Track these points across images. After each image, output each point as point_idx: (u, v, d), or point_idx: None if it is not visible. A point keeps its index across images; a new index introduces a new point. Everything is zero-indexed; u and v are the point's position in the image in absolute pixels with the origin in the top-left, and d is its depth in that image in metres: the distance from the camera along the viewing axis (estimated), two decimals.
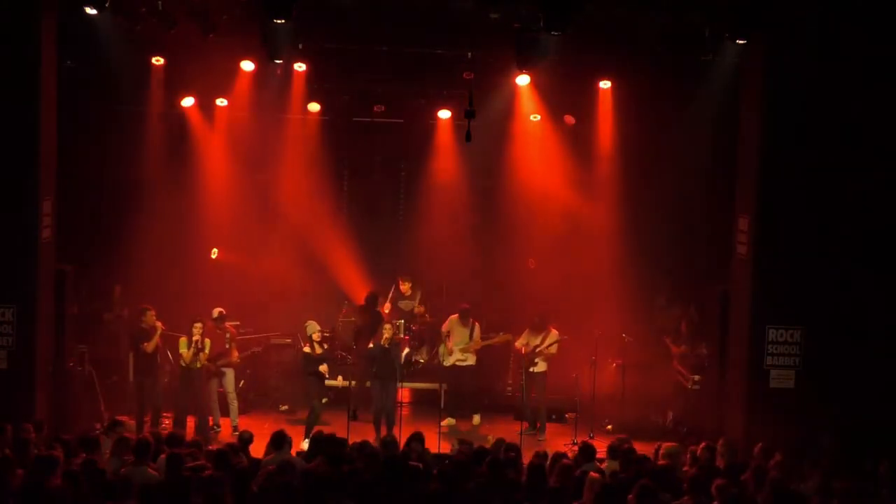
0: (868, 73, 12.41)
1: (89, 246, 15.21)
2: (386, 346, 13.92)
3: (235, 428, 14.06)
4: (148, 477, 9.00)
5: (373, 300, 15.84)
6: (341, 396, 14.58)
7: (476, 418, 15.09)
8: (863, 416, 12.19)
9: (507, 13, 12.43)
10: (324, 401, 14.35)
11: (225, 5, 12.98)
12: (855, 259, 12.58)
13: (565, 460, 9.87)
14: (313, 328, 14.22)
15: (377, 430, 13.78)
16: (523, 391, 14.83)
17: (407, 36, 13.97)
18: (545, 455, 10.21)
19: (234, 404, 14.37)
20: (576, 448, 11.23)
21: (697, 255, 15.74)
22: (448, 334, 15.23)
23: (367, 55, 14.72)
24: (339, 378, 14.30)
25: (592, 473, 9.26)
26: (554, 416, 15.12)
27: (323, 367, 13.91)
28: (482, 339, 15.35)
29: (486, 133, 15.62)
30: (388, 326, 14.10)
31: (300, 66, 15.11)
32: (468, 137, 13.05)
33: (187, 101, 15.96)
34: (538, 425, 14.64)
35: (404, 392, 15.05)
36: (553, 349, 14.66)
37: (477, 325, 15.23)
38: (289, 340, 16.23)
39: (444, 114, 16.49)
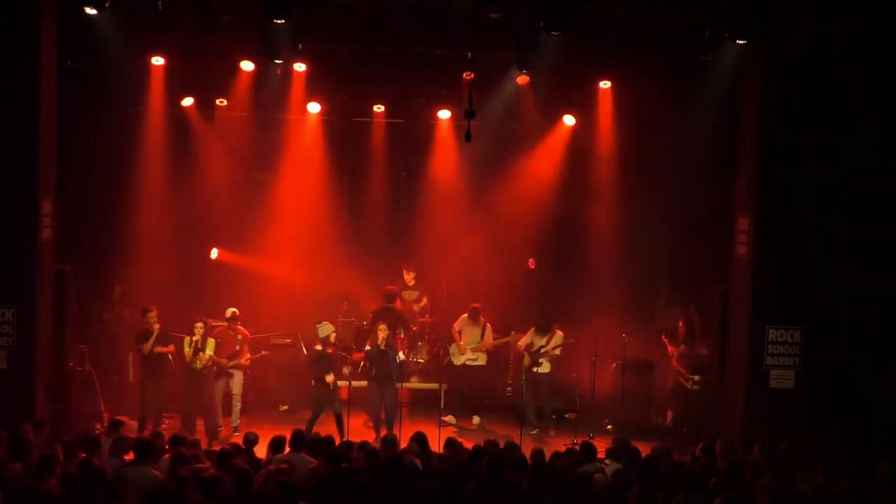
0: (868, 73, 12.41)
1: (89, 246, 15.20)
2: (382, 347, 13.90)
3: (236, 428, 14.07)
4: (149, 476, 8.99)
5: (390, 296, 15.83)
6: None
7: (476, 418, 15.09)
8: (863, 417, 12.19)
9: (507, 13, 12.44)
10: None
11: (225, 5, 12.98)
12: (855, 259, 12.58)
13: (564, 460, 9.89)
14: (328, 329, 14.17)
15: (377, 430, 13.78)
16: (523, 392, 14.82)
17: (407, 36, 13.97)
18: (541, 453, 10.21)
19: (237, 406, 14.35)
20: (576, 448, 11.22)
21: (697, 255, 15.74)
22: (459, 333, 15.26)
23: (367, 55, 14.72)
24: (331, 378, 14.22)
25: (596, 475, 9.27)
26: (554, 416, 15.12)
27: (329, 378, 13.86)
28: (493, 338, 15.34)
29: (486, 133, 15.65)
30: (383, 327, 14.07)
31: (300, 66, 15.11)
32: (468, 137, 13.05)
33: (187, 101, 15.95)
34: (535, 425, 14.64)
35: (404, 392, 15.03)
36: (558, 351, 14.67)
37: (489, 325, 15.28)
38: (289, 340, 16.22)
39: (444, 114, 16.48)
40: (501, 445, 10.88)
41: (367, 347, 14.13)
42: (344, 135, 17.02)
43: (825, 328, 12.59)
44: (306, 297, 16.65)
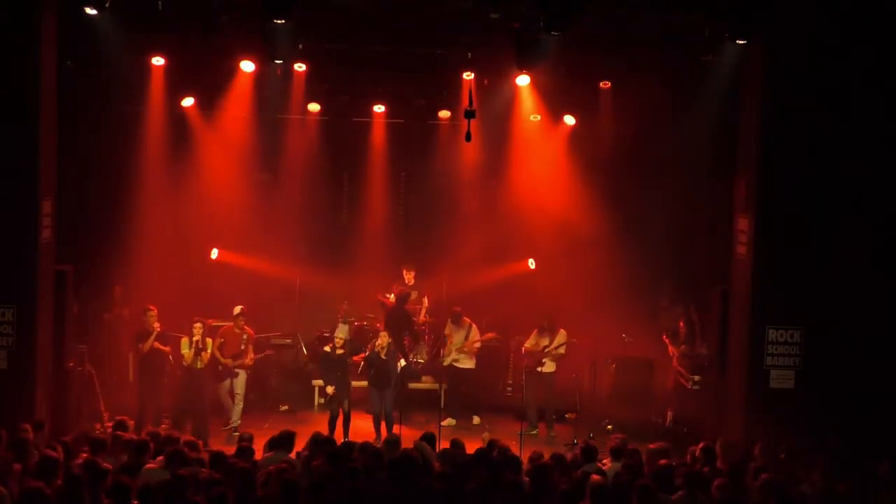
0: (868, 73, 12.41)
1: (89, 246, 15.21)
2: (382, 355, 13.88)
3: (235, 429, 14.06)
4: (159, 475, 8.96)
5: (403, 298, 15.82)
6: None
7: (476, 419, 15.09)
8: (863, 417, 12.19)
9: (507, 13, 12.43)
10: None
11: (225, 5, 12.97)
12: (855, 259, 12.57)
13: (564, 461, 9.88)
14: (344, 331, 14.22)
15: (377, 431, 13.79)
16: (524, 391, 14.81)
17: (407, 36, 13.97)
18: (540, 455, 10.21)
19: (239, 405, 14.33)
20: (577, 448, 11.22)
21: (697, 255, 15.74)
22: (448, 336, 15.27)
23: (367, 55, 14.71)
24: (330, 389, 14.18)
25: (594, 476, 9.27)
26: (554, 416, 15.11)
27: (330, 389, 13.88)
28: (477, 339, 15.25)
29: (487, 133, 15.65)
30: (383, 334, 14.07)
31: (300, 66, 15.11)
32: (468, 137, 13.05)
33: (187, 101, 15.97)
34: (539, 423, 14.63)
35: (404, 393, 15.02)
36: (562, 350, 14.66)
37: (474, 327, 15.18)
38: (289, 340, 16.23)
39: (444, 114, 16.49)
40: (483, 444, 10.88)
41: (368, 352, 14.11)
42: (344, 135, 17.02)
43: (825, 328, 12.58)
44: (306, 297, 16.66)
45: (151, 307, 13.90)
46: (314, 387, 15.37)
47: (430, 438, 10.82)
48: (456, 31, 13.67)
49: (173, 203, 16.27)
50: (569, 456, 10.58)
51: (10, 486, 8.65)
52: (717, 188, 14.73)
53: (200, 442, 12.49)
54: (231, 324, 14.32)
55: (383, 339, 13.95)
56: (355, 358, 14.45)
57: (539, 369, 14.68)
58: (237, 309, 14.27)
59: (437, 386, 15.18)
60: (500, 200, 17.11)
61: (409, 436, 11.79)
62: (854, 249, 12.58)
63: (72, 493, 8.24)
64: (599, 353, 14.95)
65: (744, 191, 13.21)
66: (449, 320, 15.28)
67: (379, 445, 11.14)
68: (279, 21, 12.12)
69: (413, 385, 15.56)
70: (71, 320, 13.50)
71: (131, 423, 13.26)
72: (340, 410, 13.76)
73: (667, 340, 15.51)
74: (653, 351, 15.63)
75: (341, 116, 16.75)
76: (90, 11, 12.23)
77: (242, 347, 14.28)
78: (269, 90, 15.53)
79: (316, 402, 15.43)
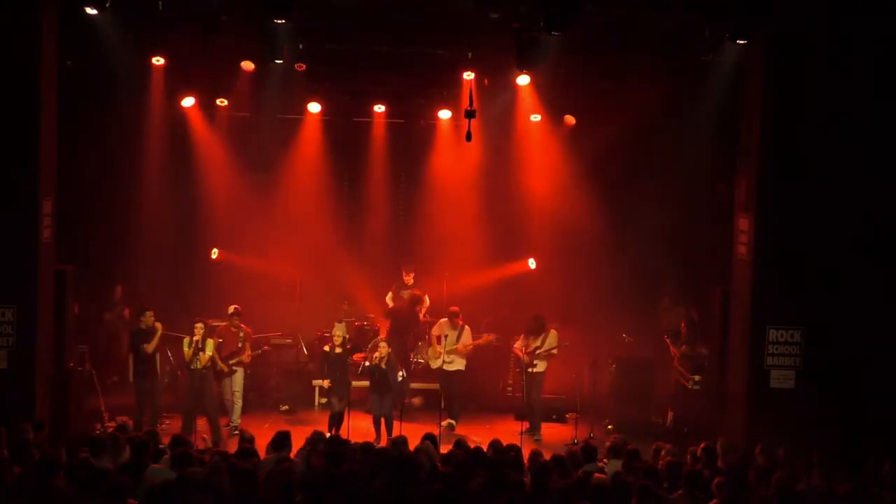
0: (868, 73, 12.41)
1: (89, 246, 15.22)
2: (382, 366, 13.87)
3: (236, 427, 14.06)
4: (165, 475, 8.96)
5: (414, 302, 15.80)
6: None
7: (451, 423, 14.51)
8: (863, 417, 12.19)
9: (507, 13, 12.43)
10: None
11: (225, 5, 12.97)
12: (855, 259, 12.57)
13: (564, 460, 9.88)
14: (342, 330, 14.21)
15: (377, 432, 13.79)
16: (524, 391, 14.79)
17: (407, 36, 13.96)
18: (539, 454, 10.21)
19: (238, 404, 14.34)
20: (576, 448, 11.22)
21: (698, 255, 15.74)
22: (438, 338, 14.99)
23: (367, 55, 14.71)
24: (326, 383, 14.20)
25: (597, 475, 9.27)
26: (554, 416, 15.10)
27: (325, 383, 13.90)
28: (471, 341, 15.03)
29: (487, 133, 15.65)
30: (383, 345, 14.03)
31: (300, 66, 15.11)
32: (468, 137, 13.04)
33: (187, 101, 15.97)
34: (529, 426, 14.53)
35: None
36: (554, 352, 14.57)
37: (467, 329, 14.94)
38: (289, 340, 16.23)
39: (444, 114, 16.49)
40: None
41: (367, 363, 14.07)
42: (344, 135, 17.02)
43: (825, 328, 12.58)
44: (306, 297, 16.66)
45: (148, 307, 13.89)
46: (314, 387, 15.37)
47: (430, 439, 10.80)
48: (456, 31, 13.66)
49: (173, 203, 16.27)
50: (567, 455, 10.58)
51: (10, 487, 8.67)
52: (717, 188, 14.73)
53: (210, 443, 12.55)
54: (227, 323, 14.32)
55: (382, 351, 13.92)
56: (356, 357, 14.46)
57: (529, 370, 14.55)
58: (231, 308, 14.28)
59: (437, 386, 15.15)
60: (500, 200, 17.10)
61: (409, 436, 11.70)
62: (854, 249, 12.57)
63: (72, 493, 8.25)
64: (600, 353, 14.92)
65: (744, 191, 13.21)
66: (445, 320, 15.01)
67: (378, 445, 11.16)
68: (279, 21, 12.12)
69: (413, 385, 15.54)
70: (71, 320, 13.51)
71: (131, 423, 13.31)
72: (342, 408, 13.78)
73: (668, 341, 15.50)
74: (653, 351, 15.62)
75: (341, 116, 16.75)
76: (90, 11, 12.23)
77: (240, 345, 14.29)
78: (269, 90, 15.53)
79: (316, 402, 15.44)
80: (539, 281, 16.64)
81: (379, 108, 16.66)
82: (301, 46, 14.03)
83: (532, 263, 17.00)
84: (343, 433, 13.32)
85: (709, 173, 15.24)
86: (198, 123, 16.38)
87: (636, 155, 16.11)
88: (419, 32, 13.80)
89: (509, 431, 14.14)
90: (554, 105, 16.05)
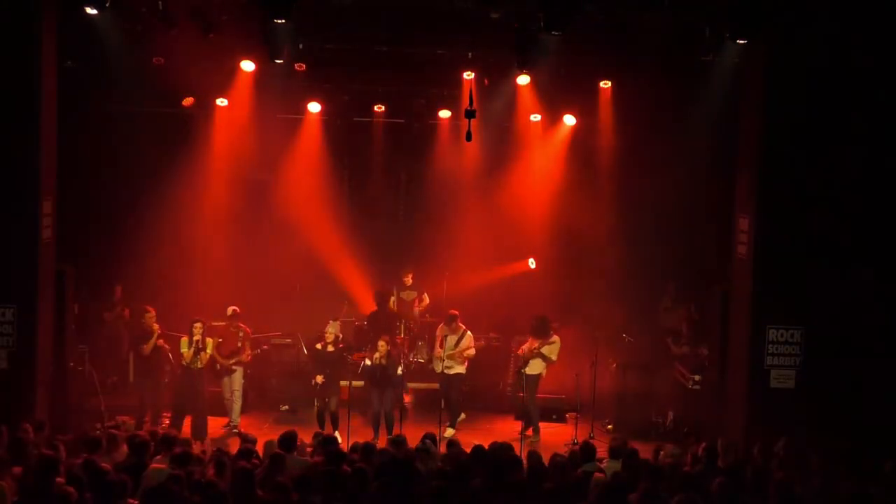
0: (868, 73, 12.41)
1: (89, 246, 15.22)
2: (383, 363, 13.86)
3: (236, 427, 14.07)
4: (165, 474, 8.96)
5: (383, 297, 15.79)
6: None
7: (450, 430, 14.24)
8: (863, 416, 12.19)
9: (507, 13, 12.44)
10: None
11: (225, 5, 12.98)
12: (855, 259, 12.57)
13: (564, 460, 9.88)
14: (335, 328, 14.18)
15: (375, 431, 13.78)
16: (522, 391, 14.77)
17: (407, 36, 13.96)
18: (537, 455, 10.21)
19: (237, 403, 14.35)
20: (576, 448, 11.22)
21: (697, 255, 15.74)
22: (441, 339, 14.84)
23: (367, 55, 14.71)
24: (319, 378, 14.18)
25: (597, 474, 9.27)
26: (554, 416, 15.09)
27: (319, 378, 13.92)
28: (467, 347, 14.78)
29: (487, 133, 15.65)
30: (382, 343, 14.03)
31: (300, 66, 15.11)
32: (468, 137, 13.03)
33: (187, 101, 15.95)
34: (526, 426, 14.41)
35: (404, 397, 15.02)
36: (554, 356, 14.45)
37: (468, 335, 14.69)
38: (289, 340, 16.23)
39: (444, 114, 16.49)
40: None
41: (367, 362, 14.05)
42: (344, 135, 17.02)
43: (825, 328, 12.59)
44: (306, 297, 16.66)
45: (149, 308, 13.90)
46: (314, 387, 15.35)
47: (430, 439, 10.79)
48: (456, 31, 13.66)
49: (173, 203, 16.25)
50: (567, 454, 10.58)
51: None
52: (717, 188, 14.73)
53: (197, 441, 12.56)
54: (227, 323, 14.33)
55: (382, 349, 13.93)
56: (355, 356, 14.45)
57: (523, 370, 14.52)
58: (230, 310, 14.29)
59: (437, 386, 15.13)
60: (500, 200, 17.09)
61: (408, 435, 11.71)
62: (854, 249, 12.58)
63: (72, 492, 8.25)
64: (600, 353, 14.92)
65: (744, 191, 13.22)
66: (443, 322, 15.04)
67: (377, 444, 11.15)
68: (279, 21, 12.12)
69: (413, 385, 15.55)
70: (71, 320, 13.51)
71: (132, 422, 13.32)
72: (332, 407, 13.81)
73: (668, 341, 15.50)
74: (653, 351, 15.62)
75: (341, 116, 16.74)
76: (90, 11, 12.22)
77: (239, 345, 14.29)
78: (269, 90, 15.53)
79: (316, 402, 15.43)
80: (539, 281, 16.64)
81: (379, 108, 16.66)
82: (301, 46, 14.03)
83: (532, 263, 17.00)
84: (342, 433, 13.34)
85: (709, 173, 15.23)
86: (198, 123, 16.37)
87: (636, 155, 16.10)
88: (419, 32, 13.79)
89: (509, 431, 14.15)
90: (554, 105, 16.05)
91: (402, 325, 15.91)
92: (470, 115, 12.93)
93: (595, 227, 16.51)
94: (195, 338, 13.62)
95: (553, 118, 16.35)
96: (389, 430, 13.52)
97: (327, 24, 13.64)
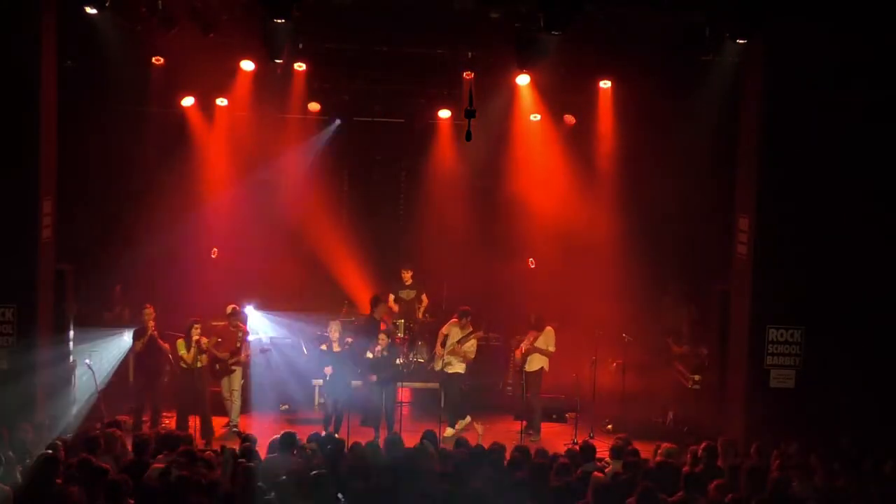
0: (868, 73, 12.41)
1: (89, 246, 15.21)
2: (385, 354, 13.88)
3: (235, 426, 14.06)
4: (160, 472, 8.97)
5: (372, 303, 15.76)
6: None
7: (449, 430, 14.14)
8: (863, 416, 12.19)
9: (507, 13, 12.44)
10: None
11: (225, 5, 12.98)
12: (855, 259, 12.58)
13: (564, 460, 9.89)
14: (335, 328, 14.21)
15: (376, 429, 13.79)
16: (523, 391, 14.77)
17: (407, 36, 13.97)
18: (545, 453, 10.21)
19: (236, 403, 14.35)
20: (576, 448, 11.22)
21: (698, 255, 15.74)
22: (443, 337, 14.78)
23: (367, 55, 14.72)
24: (328, 370, 14.18)
25: (596, 473, 9.27)
26: (554, 416, 15.08)
27: (327, 369, 13.93)
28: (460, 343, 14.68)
29: (487, 133, 15.63)
30: (382, 337, 14.03)
31: (300, 66, 15.11)
32: (468, 137, 13.01)
33: (187, 101, 15.97)
34: (527, 425, 14.39)
35: (405, 392, 15.02)
36: (550, 349, 14.49)
37: (473, 337, 14.61)
38: (289, 340, 16.21)
39: (444, 114, 16.50)
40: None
41: (369, 355, 14.06)
42: (344, 135, 17.02)
43: (825, 328, 12.59)
44: (306, 297, 16.65)
45: (148, 305, 13.89)
46: (314, 387, 15.36)
47: (430, 437, 10.78)
48: (456, 30, 13.67)
49: (173, 202, 16.25)
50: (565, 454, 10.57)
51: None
52: (717, 188, 14.72)
53: (204, 441, 12.57)
54: (226, 323, 14.33)
55: (383, 342, 13.95)
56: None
57: (524, 368, 14.50)
58: (229, 308, 14.29)
59: (437, 385, 15.13)
60: (499, 200, 17.10)
61: (407, 435, 11.72)
62: (854, 249, 12.58)
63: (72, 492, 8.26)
64: (600, 353, 14.92)
65: (744, 191, 13.22)
66: (455, 319, 14.89)
67: (378, 443, 11.15)
68: (279, 21, 12.12)
69: (414, 385, 15.53)
70: (71, 320, 13.50)
71: (131, 422, 13.33)
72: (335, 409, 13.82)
73: (669, 340, 15.49)
74: (653, 350, 15.62)
75: (341, 116, 16.74)
76: (90, 11, 12.23)
77: (238, 345, 14.29)
78: (269, 90, 15.52)
79: (316, 402, 15.43)
80: (539, 281, 16.64)
81: (379, 109, 16.66)
82: (301, 46, 14.02)
83: (532, 263, 17.00)
84: (342, 433, 13.34)
85: (709, 173, 15.23)
86: (198, 123, 16.38)
87: (636, 154, 16.10)
88: (419, 32, 13.79)
89: (509, 431, 14.15)
90: (554, 105, 16.05)
91: (402, 325, 15.89)
92: (470, 115, 12.92)
93: (595, 227, 16.50)
94: (195, 338, 13.61)
95: (553, 118, 16.35)
96: (390, 426, 13.53)
97: (327, 24, 13.64)
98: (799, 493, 9.37)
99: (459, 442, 10.79)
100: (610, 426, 14.71)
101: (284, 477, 8.97)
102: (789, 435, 11.27)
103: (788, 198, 12.61)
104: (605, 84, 15.52)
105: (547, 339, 14.42)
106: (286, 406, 15.38)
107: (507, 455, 10.26)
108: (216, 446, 11.53)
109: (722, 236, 13.99)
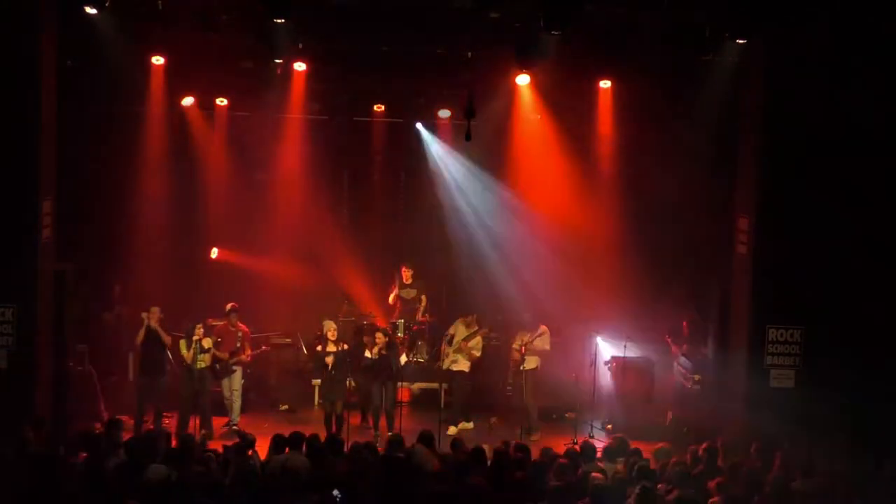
0: (868, 73, 12.41)
1: (89, 246, 15.21)
2: (384, 352, 13.88)
3: (235, 426, 14.06)
4: (161, 472, 8.97)
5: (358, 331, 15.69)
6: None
7: (452, 429, 14.24)
8: (863, 416, 12.19)
9: (507, 13, 12.44)
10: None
11: (225, 5, 12.97)
12: (855, 259, 12.58)
13: (563, 460, 9.89)
14: (330, 326, 14.21)
15: (375, 428, 13.79)
16: (523, 391, 14.77)
17: (407, 36, 13.95)
18: (549, 452, 10.22)
19: (237, 403, 14.36)
20: (576, 448, 11.22)
21: (698, 254, 15.73)
22: (450, 337, 14.89)
23: (367, 55, 14.70)
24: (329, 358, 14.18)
25: (595, 474, 9.27)
26: (554, 416, 15.08)
27: (328, 360, 13.92)
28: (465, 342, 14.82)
29: (486, 133, 15.64)
30: (379, 335, 14.04)
31: (300, 66, 15.11)
32: (468, 137, 13.03)
33: (187, 101, 15.97)
34: (527, 426, 14.40)
35: (404, 392, 15.02)
36: (547, 347, 14.48)
37: (479, 336, 14.75)
38: (289, 340, 16.24)
39: (444, 113, 16.48)
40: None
41: (368, 355, 14.06)
42: (344, 135, 17.02)
43: (825, 328, 12.59)
44: (306, 297, 16.66)
45: (154, 307, 13.88)
46: (314, 386, 15.37)
47: (427, 438, 10.74)
48: (456, 31, 13.65)
49: (173, 202, 16.25)
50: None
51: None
52: (717, 188, 14.72)
53: (206, 441, 12.56)
54: (225, 321, 14.33)
55: (380, 340, 13.94)
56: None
57: (521, 367, 14.51)
58: (228, 306, 14.30)
59: (437, 385, 15.13)
60: (499, 199, 17.09)
61: (407, 434, 11.72)
62: (854, 249, 12.58)
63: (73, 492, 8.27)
64: (600, 353, 14.90)
65: (744, 191, 13.22)
66: (465, 318, 14.99)
67: (377, 442, 11.16)
68: (279, 21, 12.12)
69: (413, 385, 15.54)
70: (71, 320, 13.50)
71: (131, 422, 13.33)
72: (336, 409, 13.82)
73: (668, 340, 15.49)
74: (654, 350, 15.61)
75: (341, 116, 16.74)
76: (90, 11, 12.23)
77: (238, 345, 14.29)
78: (269, 90, 15.52)
79: (316, 402, 15.43)
80: (539, 281, 16.62)
81: (379, 108, 16.66)
82: (301, 46, 14.02)
83: (531, 263, 16.98)
84: (342, 433, 13.34)
85: (708, 173, 15.22)
86: (198, 123, 16.37)
87: (635, 155, 16.09)
88: (419, 32, 13.79)
89: (509, 431, 14.14)
90: (554, 105, 16.04)
91: (401, 325, 15.90)
92: (469, 115, 12.94)
93: (594, 227, 16.48)
94: (195, 338, 13.61)
95: (553, 118, 16.33)
96: (390, 426, 13.52)
97: (327, 24, 13.63)
98: (799, 493, 9.37)
99: (456, 444, 10.78)
100: (610, 426, 14.72)
101: (284, 476, 8.97)
102: (789, 435, 11.27)
103: (788, 198, 12.61)
104: (605, 84, 15.50)
105: (543, 339, 14.47)
106: (286, 406, 15.40)
107: (507, 455, 10.25)
108: (216, 446, 11.51)
109: (722, 236, 13.98)
